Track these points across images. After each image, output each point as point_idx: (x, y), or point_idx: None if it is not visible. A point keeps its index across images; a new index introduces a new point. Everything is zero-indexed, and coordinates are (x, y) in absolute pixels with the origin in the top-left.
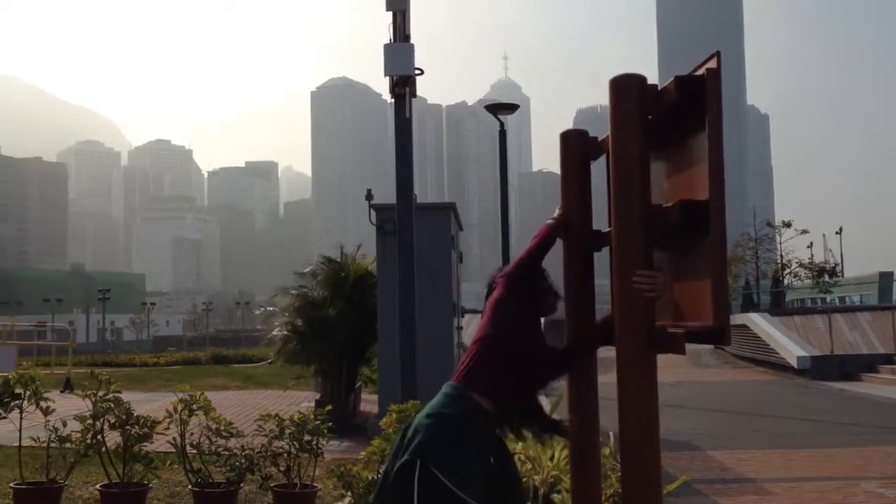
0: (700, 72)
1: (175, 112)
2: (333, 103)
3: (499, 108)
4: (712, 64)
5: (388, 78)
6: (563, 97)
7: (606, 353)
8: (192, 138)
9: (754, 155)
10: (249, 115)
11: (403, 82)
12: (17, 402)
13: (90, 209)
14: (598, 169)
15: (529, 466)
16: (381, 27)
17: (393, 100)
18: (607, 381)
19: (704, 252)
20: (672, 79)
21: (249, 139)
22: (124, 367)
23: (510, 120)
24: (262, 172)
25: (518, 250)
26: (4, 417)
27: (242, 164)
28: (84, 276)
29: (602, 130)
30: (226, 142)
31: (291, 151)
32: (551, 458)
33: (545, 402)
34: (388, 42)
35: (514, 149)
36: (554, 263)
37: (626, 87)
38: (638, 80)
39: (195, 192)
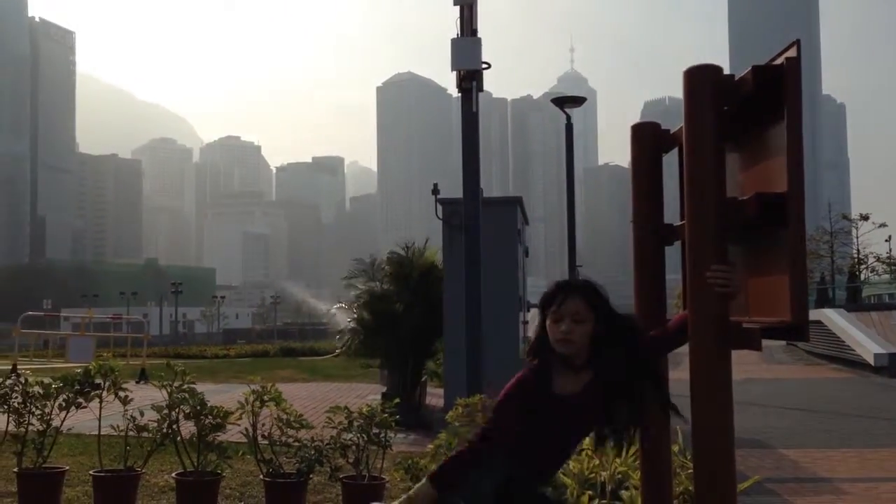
0: (779, 61)
1: (244, 109)
2: (399, 98)
3: (565, 102)
4: (791, 53)
5: (454, 72)
6: (630, 89)
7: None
8: (261, 134)
9: (830, 146)
10: (316, 111)
11: (471, 77)
12: (97, 391)
13: (163, 205)
14: (669, 162)
15: (597, 462)
16: (448, 21)
17: (459, 94)
18: (674, 376)
19: (782, 245)
20: (749, 69)
21: (316, 135)
22: (196, 359)
23: (576, 113)
24: (329, 167)
25: (584, 244)
26: (85, 407)
27: (309, 160)
28: (157, 270)
29: (669, 123)
30: (293, 137)
31: (357, 146)
32: (618, 455)
33: None
34: (456, 36)
35: (579, 142)
36: (617, 258)
37: (701, 78)
38: (713, 70)
39: (263, 188)
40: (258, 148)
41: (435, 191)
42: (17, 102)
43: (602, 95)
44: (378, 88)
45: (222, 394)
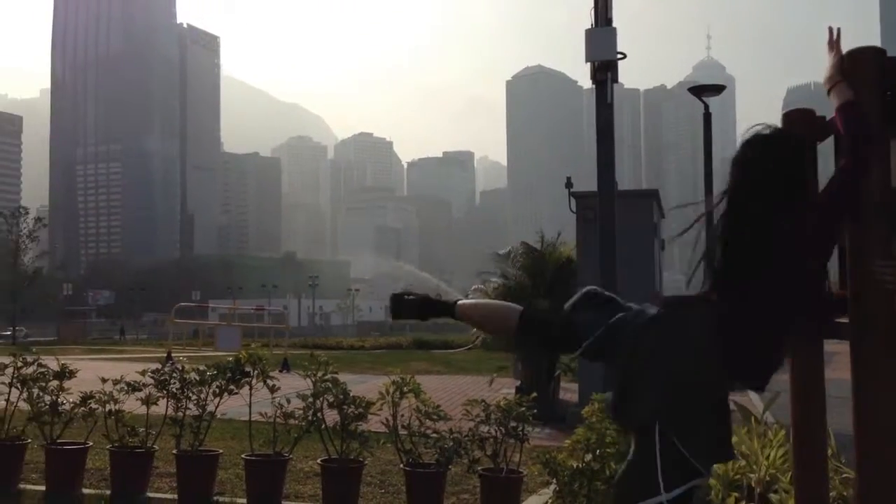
0: None
1: (377, 106)
2: (528, 92)
3: (702, 90)
4: None
5: (588, 64)
6: (772, 75)
7: (827, 346)
8: (393, 130)
9: None
10: (446, 107)
11: (605, 67)
12: (247, 379)
13: (300, 200)
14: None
15: (744, 463)
16: (579, 12)
17: (592, 86)
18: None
19: None
20: None
21: (446, 130)
22: (333, 350)
23: (713, 102)
24: (459, 162)
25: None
26: (236, 393)
27: (440, 155)
28: (295, 264)
29: (815, 109)
30: (424, 133)
31: (487, 141)
32: (767, 457)
33: (756, 400)
34: (590, 27)
35: (717, 132)
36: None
37: (862, 62)
38: (876, 53)
39: (395, 183)
40: (390, 144)
41: (568, 184)
42: (167, 106)
43: (741, 82)
44: (508, 82)
45: (360, 384)
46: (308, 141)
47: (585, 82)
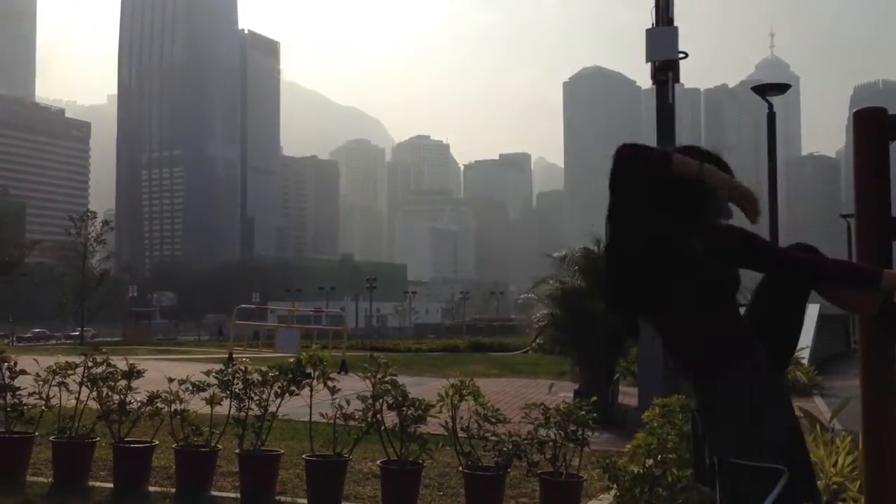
0: None
1: (433, 108)
2: (586, 92)
3: (766, 90)
4: None
5: (648, 63)
6: (838, 74)
7: None
8: (449, 133)
9: None
10: (503, 109)
11: (666, 67)
12: (308, 380)
13: (358, 203)
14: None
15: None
16: (638, 11)
17: (652, 86)
18: None
19: None
20: None
21: (503, 132)
22: (390, 352)
23: (777, 101)
24: (516, 164)
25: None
26: (297, 394)
27: (496, 157)
28: (353, 266)
29: (885, 107)
30: (480, 135)
31: (544, 143)
32: (834, 464)
33: (823, 405)
34: (651, 27)
35: (781, 132)
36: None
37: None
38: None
39: (452, 185)
40: (447, 146)
41: None
42: (229, 111)
43: (805, 81)
44: (565, 84)
45: (418, 386)
46: (366, 144)
47: (644, 82)
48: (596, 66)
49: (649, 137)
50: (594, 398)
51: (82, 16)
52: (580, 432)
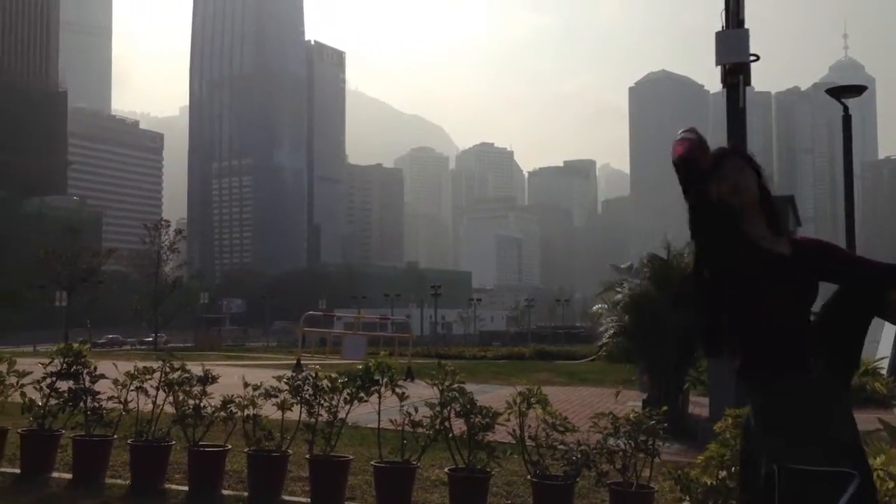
0: None
1: (497, 115)
2: (652, 98)
3: (841, 92)
4: None
5: (718, 67)
6: None
7: None
8: (513, 139)
9: None
10: (567, 115)
11: (737, 70)
12: (377, 387)
13: (422, 211)
14: None
15: (892, 485)
16: (704, 15)
17: (722, 90)
18: None
19: None
20: None
21: (567, 138)
22: (455, 359)
23: (852, 103)
24: (580, 171)
25: (862, 246)
26: (366, 401)
27: (561, 164)
28: (417, 273)
29: None
30: (544, 142)
31: (609, 149)
32: None
33: None
34: (721, 29)
35: (857, 135)
36: None
37: None
38: None
39: (516, 192)
40: (511, 153)
41: None
42: (296, 120)
43: (882, 82)
44: (631, 89)
45: (484, 394)
46: (430, 152)
47: (712, 86)
48: (663, 70)
49: (719, 142)
50: (665, 408)
51: (155, 30)
52: (651, 442)
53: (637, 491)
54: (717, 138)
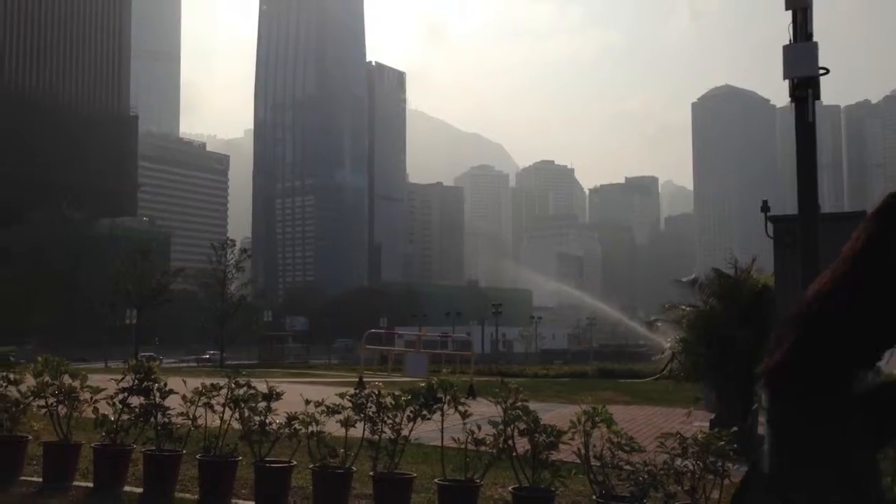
0: None
1: (557, 133)
2: (716, 113)
3: None
4: None
5: (786, 81)
6: None
7: None
8: (574, 157)
9: None
10: (629, 131)
11: (805, 84)
12: (439, 405)
13: (482, 229)
14: None
15: None
16: (770, 29)
17: (790, 104)
18: None
19: None
20: None
21: (629, 155)
22: (516, 377)
23: None
24: (642, 188)
25: None
26: (429, 418)
27: (622, 181)
28: (478, 292)
29: None
30: (606, 159)
31: (672, 165)
32: None
33: None
34: (788, 42)
35: None
36: None
37: None
38: None
39: (577, 210)
40: (571, 171)
41: (765, 208)
42: (357, 140)
43: None
44: (693, 104)
45: (547, 412)
46: (490, 170)
47: (779, 100)
48: (726, 85)
49: (784, 157)
50: (735, 429)
51: (222, 55)
52: (720, 464)
53: None
54: (783, 153)
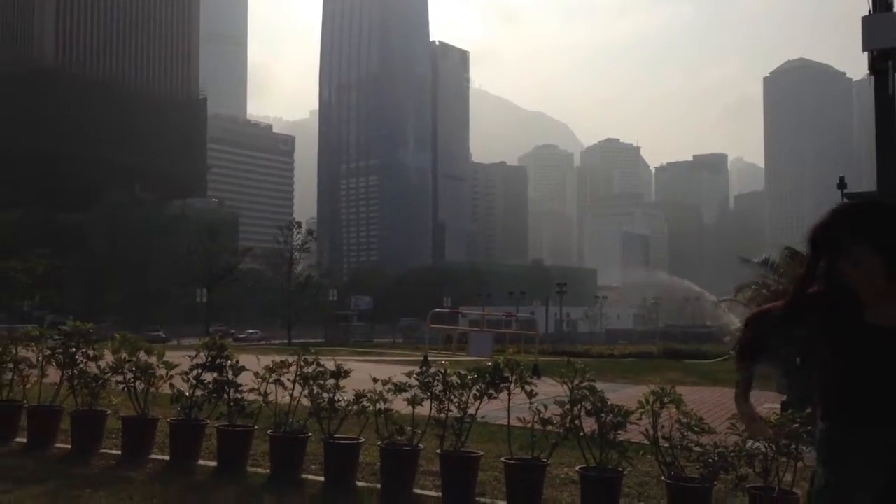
0: None
1: (621, 110)
2: (789, 87)
3: None
4: None
5: (865, 53)
6: None
7: None
8: (640, 135)
9: None
10: (696, 108)
11: (885, 56)
12: (506, 384)
13: (546, 208)
14: None
15: None
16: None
17: (869, 77)
18: None
19: None
20: None
21: (697, 133)
22: (581, 357)
23: None
24: (711, 165)
25: None
26: (496, 397)
27: (690, 158)
28: (542, 271)
29: None
30: (673, 136)
31: (742, 142)
32: None
33: None
34: (868, 13)
35: None
36: None
37: None
38: None
39: (643, 189)
40: (637, 149)
41: (841, 184)
42: (421, 120)
43: None
44: (766, 79)
45: (612, 392)
46: (554, 149)
47: (855, 73)
48: (800, 59)
49: (860, 132)
50: (808, 410)
51: (288, 38)
52: (793, 446)
53: (779, 495)
54: (860, 128)
